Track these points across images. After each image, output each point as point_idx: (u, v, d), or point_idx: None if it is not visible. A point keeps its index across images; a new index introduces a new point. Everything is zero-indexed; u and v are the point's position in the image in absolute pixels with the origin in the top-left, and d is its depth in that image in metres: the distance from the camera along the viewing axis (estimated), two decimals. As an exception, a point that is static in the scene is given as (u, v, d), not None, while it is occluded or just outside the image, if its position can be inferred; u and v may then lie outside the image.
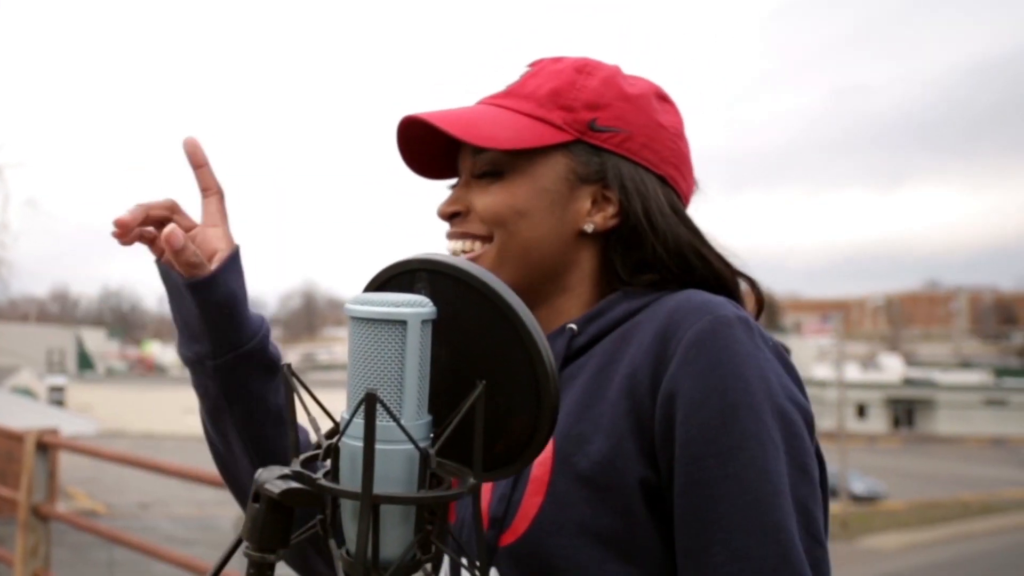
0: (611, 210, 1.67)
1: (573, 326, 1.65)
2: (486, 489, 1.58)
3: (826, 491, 1.52)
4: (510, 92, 1.72)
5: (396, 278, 1.26)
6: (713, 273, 1.67)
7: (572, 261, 1.69)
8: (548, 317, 1.70)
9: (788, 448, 1.44)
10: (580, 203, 1.67)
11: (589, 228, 1.67)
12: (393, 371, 1.11)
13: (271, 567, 1.17)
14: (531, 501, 1.53)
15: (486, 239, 1.67)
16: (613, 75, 1.71)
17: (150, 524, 32.91)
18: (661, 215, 1.65)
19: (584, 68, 1.70)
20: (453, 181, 1.77)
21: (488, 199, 1.66)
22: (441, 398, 1.19)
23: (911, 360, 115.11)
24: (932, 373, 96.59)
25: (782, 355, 1.54)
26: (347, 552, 1.15)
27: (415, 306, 1.12)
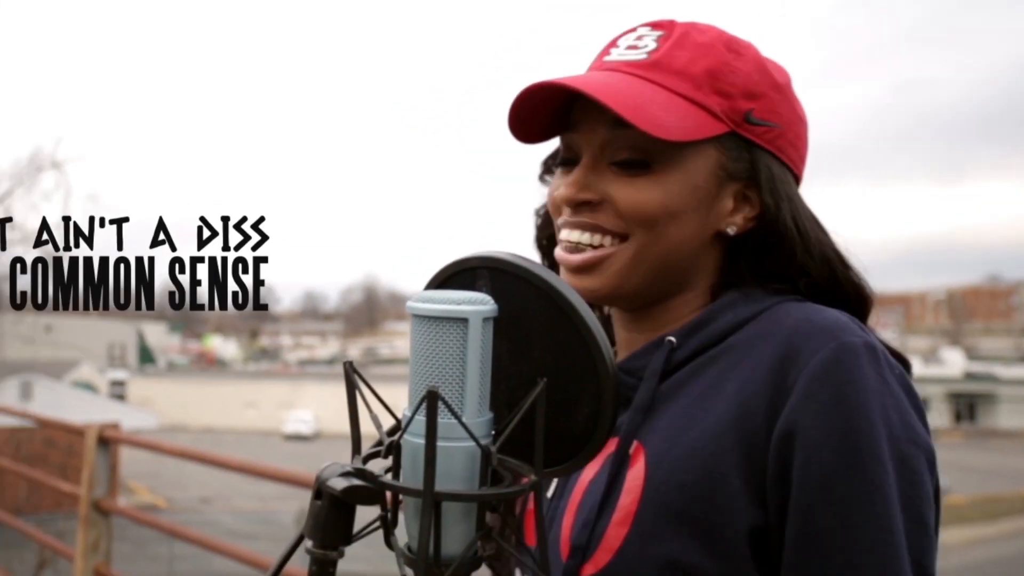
0: (750, 211, 1.53)
1: (672, 339, 1.50)
2: (568, 514, 1.51)
3: (938, 530, 1.39)
4: (656, 64, 1.50)
5: (457, 275, 1.26)
6: (857, 284, 1.55)
7: (702, 263, 1.55)
8: (658, 318, 1.56)
9: (908, 500, 1.32)
10: (724, 202, 1.52)
11: (732, 231, 1.53)
12: (454, 369, 1.11)
13: (333, 564, 1.18)
14: (616, 532, 1.41)
15: (619, 236, 1.50)
16: (760, 58, 1.56)
17: (211, 518, 33.16)
18: (807, 220, 1.54)
19: (732, 45, 1.53)
20: (542, 145, 1.62)
21: (637, 195, 1.48)
22: (502, 395, 1.19)
23: (973, 354, 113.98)
24: (994, 367, 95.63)
25: (906, 383, 1.40)
26: (409, 549, 1.15)
27: (476, 304, 1.12)
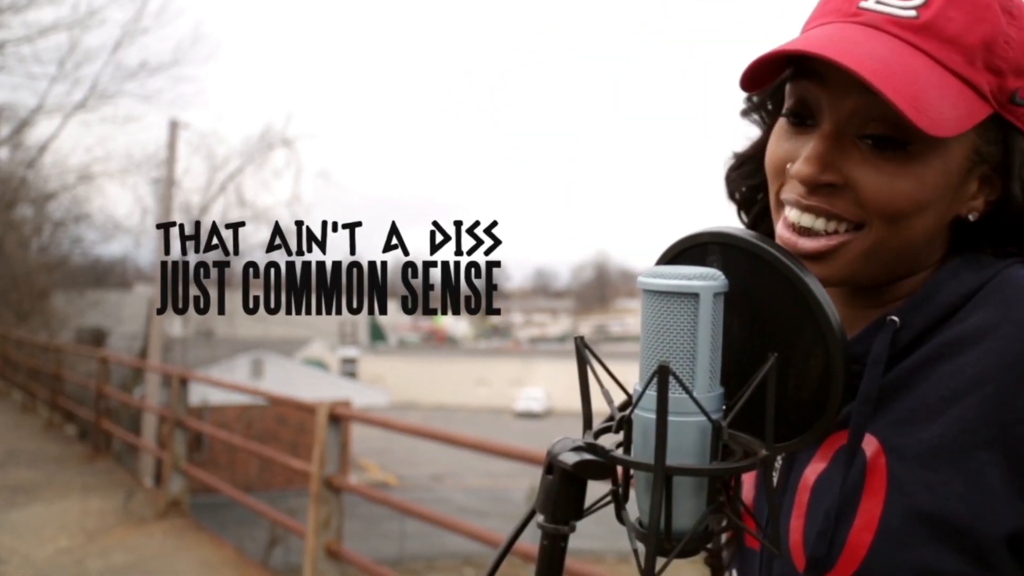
0: (991, 193, 1.36)
1: (895, 318, 1.32)
2: (796, 518, 1.36)
3: None
4: (928, 27, 1.27)
5: (688, 251, 1.26)
6: None
7: (935, 245, 1.37)
8: (883, 295, 1.40)
9: None
10: (969, 186, 1.35)
11: (972, 217, 1.36)
12: (685, 344, 1.11)
13: (565, 539, 1.19)
14: (859, 539, 1.25)
15: (854, 225, 1.31)
16: None
17: (442, 496, 33.74)
18: None
19: (1007, 5, 1.31)
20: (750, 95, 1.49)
21: (887, 185, 1.28)
22: (732, 370, 1.19)
23: None
24: None
25: None
26: (639, 523, 1.15)
27: (707, 279, 1.12)
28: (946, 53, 1.27)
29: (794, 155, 1.34)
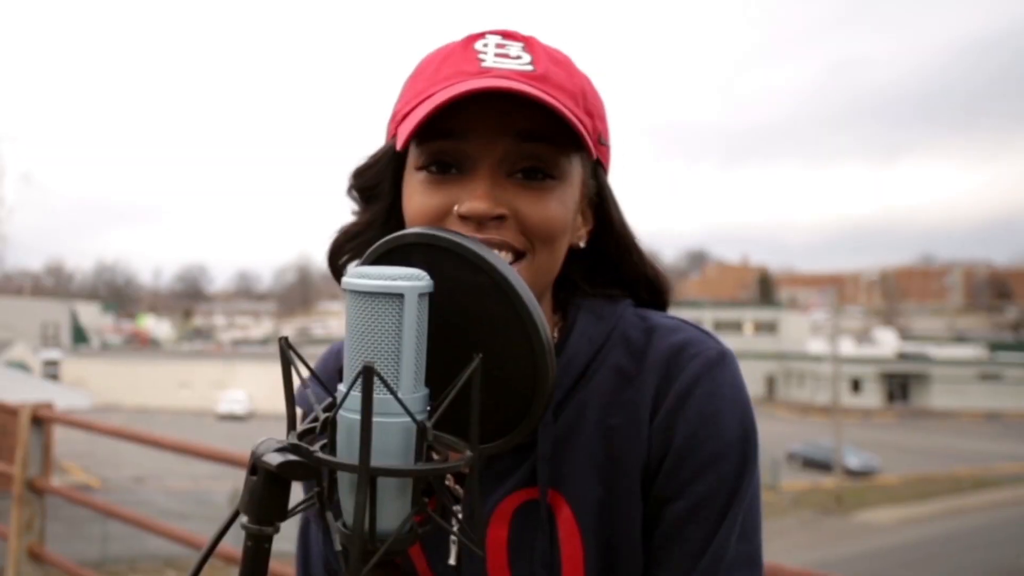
0: (588, 224, 1.57)
1: None
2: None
3: None
4: (546, 77, 1.44)
5: (393, 252, 1.26)
6: (666, 278, 1.64)
7: (556, 274, 1.53)
8: None
9: None
10: (579, 216, 1.54)
11: (582, 244, 1.57)
12: (390, 344, 1.11)
13: (268, 540, 1.18)
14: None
15: (518, 254, 1.43)
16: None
17: (145, 498, 33.00)
18: (632, 235, 1.60)
19: (577, 65, 1.53)
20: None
21: (544, 210, 1.43)
22: (438, 371, 1.19)
23: (906, 334, 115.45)
24: (927, 347, 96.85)
25: None
26: (344, 524, 1.15)
27: (412, 279, 1.12)
28: (562, 96, 1.43)
29: (453, 200, 1.43)
